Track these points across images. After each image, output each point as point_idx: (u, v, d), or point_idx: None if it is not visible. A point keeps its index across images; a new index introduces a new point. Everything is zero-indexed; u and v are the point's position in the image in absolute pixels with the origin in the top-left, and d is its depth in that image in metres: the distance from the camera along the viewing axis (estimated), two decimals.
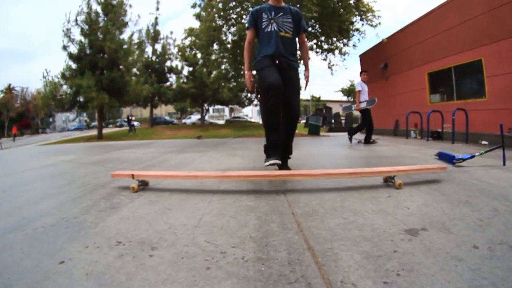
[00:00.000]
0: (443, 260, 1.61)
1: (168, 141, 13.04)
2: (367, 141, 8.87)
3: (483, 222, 2.17)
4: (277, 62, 3.87)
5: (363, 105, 8.91)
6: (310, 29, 16.49)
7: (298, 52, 4.61)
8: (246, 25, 4.17)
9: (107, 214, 2.45)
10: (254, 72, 4.12)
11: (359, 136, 13.44)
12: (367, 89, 9.23)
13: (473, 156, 4.84)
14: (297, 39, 4.18)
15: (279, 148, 3.80)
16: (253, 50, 4.16)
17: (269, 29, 3.91)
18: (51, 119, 61.12)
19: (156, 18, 32.33)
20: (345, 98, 57.81)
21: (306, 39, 4.32)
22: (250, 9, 12.25)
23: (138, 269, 1.55)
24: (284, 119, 3.98)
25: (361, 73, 9.49)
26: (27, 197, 3.21)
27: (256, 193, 3.02)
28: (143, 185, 3.28)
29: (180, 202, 2.73)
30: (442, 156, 5.30)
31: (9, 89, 56.73)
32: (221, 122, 47.91)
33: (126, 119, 31.58)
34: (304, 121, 37.87)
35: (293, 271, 1.51)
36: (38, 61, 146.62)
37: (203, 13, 16.65)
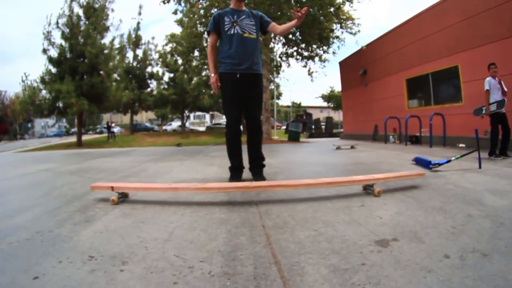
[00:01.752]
0: (412, 272, 1.64)
1: (147, 149, 13.00)
2: (493, 153, 6.86)
3: (456, 230, 2.24)
4: (238, 76, 3.94)
5: (493, 108, 7.06)
6: (290, 36, 16.65)
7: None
8: (207, 28, 4.24)
9: (81, 227, 2.47)
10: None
11: (340, 142, 13.60)
12: (499, 86, 7.14)
13: (449, 161, 5.02)
14: (260, 41, 4.33)
15: (240, 171, 4.24)
16: (217, 53, 4.22)
17: (232, 32, 3.97)
18: (29, 125, 59.95)
19: (138, 23, 32.26)
20: (325, 104, 58.23)
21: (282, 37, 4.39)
22: None
23: (108, 284, 1.58)
24: (248, 131, 4.24)
25: (488, 67, 7.39)
26: (2, 209, 3.18)
27: (229, 204, 3.08)
28: (123, 197, 3.27)
29: (154, 215, 2.76)
30: (419, 161, 5.45)
31: None
32: (202, 128, 47.86)
33: (106, 126, 31.26)
34: (284, 127, 38.12)
35: (257, 286, 1.55)
36: (17, 64, 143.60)
37: (185, 19, 16.66)
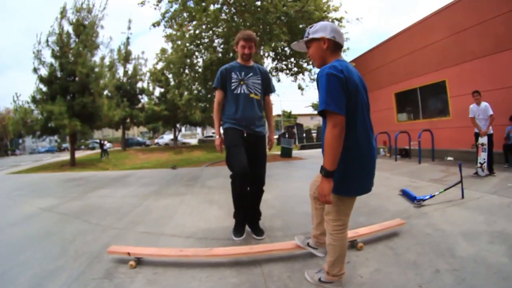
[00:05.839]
0: None
1: (143, 174, 13.01)
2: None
3: None
4: (245, 135, 4.00)
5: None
6: (279, 50, 16.86)
7: None
8: (214, 84, 4.20)
9: None
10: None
11: None
12: (482, 110, 7.84)
13: (433, 196, 5.39)
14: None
15: (244, 226, 4.30)
16: (222, 111, 4.21)
17: (238, 91, 3.99)
18: (20, 140, 59.29)
19: (128, 38, 32.45)
20: (315, 112, 58.63)
21: (271, 100, 4.40)
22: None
23: None
24: (252, 187, 4.15)
25: (472, 94, 8.00)
26: (27, 275, 3.27)
27: (237, 265, 3.34)
28: (139, 259, 3.48)
29: (175, 281, 3.03)
30: (405, 194, 5.83)
31: None
32: (194, 141, 48.14)
33: (98, 142, 31.35)
34: (276, 137, 38.40)
35: None
36: (7, 77, 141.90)
37: (174, 37, 16.55)
